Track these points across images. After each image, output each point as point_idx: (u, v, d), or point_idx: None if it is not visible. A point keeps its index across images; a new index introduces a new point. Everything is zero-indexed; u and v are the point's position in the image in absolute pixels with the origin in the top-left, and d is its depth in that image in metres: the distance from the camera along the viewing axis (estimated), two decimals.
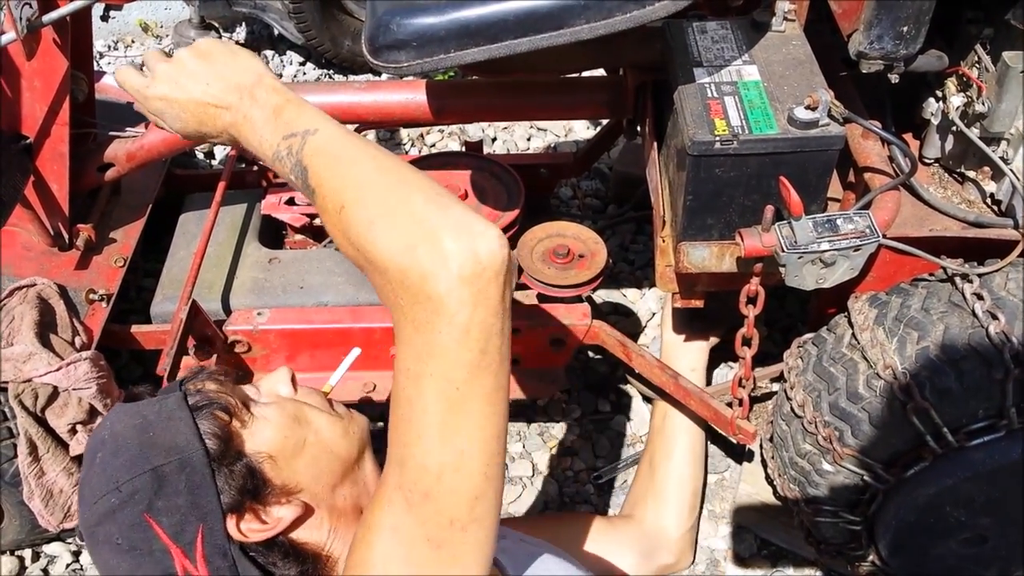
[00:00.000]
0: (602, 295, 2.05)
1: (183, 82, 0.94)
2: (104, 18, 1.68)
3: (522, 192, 1.63)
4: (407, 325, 0.80)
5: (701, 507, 1.62)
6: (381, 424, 1.69)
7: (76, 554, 1.62)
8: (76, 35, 1.43)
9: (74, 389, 1.39)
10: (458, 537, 0.81)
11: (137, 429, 0.95)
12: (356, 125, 1.67)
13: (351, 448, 1.08)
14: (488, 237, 0.77)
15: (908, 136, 1.43)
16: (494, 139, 2.54)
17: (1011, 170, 1.26)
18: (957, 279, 1.19)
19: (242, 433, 0.99)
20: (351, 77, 2.78)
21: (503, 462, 0.83)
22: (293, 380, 1.11)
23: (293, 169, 0.86)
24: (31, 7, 1.28)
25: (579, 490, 1.73)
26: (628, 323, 2.00)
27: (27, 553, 1.61)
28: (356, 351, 1.28)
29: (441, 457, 0.80)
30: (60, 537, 1.63)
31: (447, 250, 0.76)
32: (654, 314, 2.02)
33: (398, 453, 0.82)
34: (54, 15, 1.30)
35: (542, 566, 1.13)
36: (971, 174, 1.34)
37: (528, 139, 2.54)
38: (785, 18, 1.27)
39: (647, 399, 1.84)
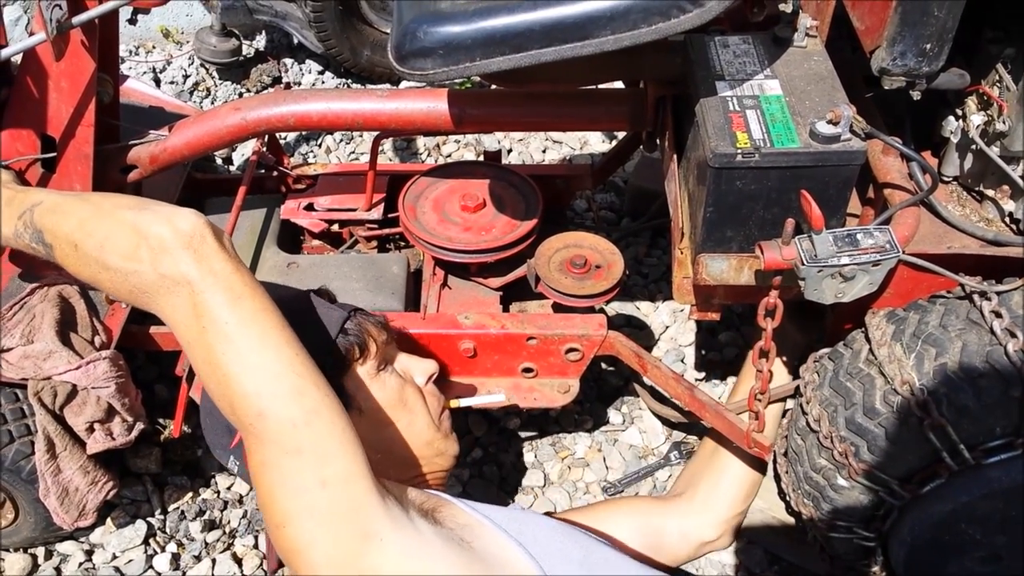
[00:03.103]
0: (616, 307, 2.06)
1: None
2: (131, 21, 1.70)
3: (540, 202, 1.63)
4: (165, 310, 0.97)
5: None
6: None
7: (89, 553, 1.63)
8: (103, 37, 1.45)
9: (93, 388, 1.40)
10: (307, 433, 0.93)
11: (300, 310, 1.14)
12: (377, 132, 1.68)
13: (423, 454, 1.27)
14: (181, 214, 0.97)
15: (926, 154, 1.43)
16: (510, 151, 2.55)
17: None
18: (975, 296, 1.19)
19: (357, 372, 1.22)
20: (369, 86, 2.80)
21: (307, 362, 0.97)
22: (431, 377, 1.32)
23: (32, 237, 1.04)
24: (61, 8, 1.29)
25: (590, 502, 1.73)
26: (641, 336, 2.01)
27: (40, 551, 1.62)
28: (501, 397, 1.46)
29: (251, 379, 0.94)
30: (73, 536, 1.63)
31: (158, 236, 0.95)
32: (667, 327, 2.03)
33: (227, 406, 0.96)
34: (84, 17, 1.31)
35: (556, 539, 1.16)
36: (990, 193, 1.34)
37: (543, 151, 2.56)
38: (807, 34, 1.28)
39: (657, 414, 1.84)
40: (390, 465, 1.23)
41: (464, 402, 1.42)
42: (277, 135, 1.86)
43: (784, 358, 1.61)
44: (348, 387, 1.21)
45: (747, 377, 1.65)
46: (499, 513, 1.13)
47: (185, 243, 0.96)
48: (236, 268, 0.98)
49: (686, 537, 1.49)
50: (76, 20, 1.32)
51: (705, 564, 1.61)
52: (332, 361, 1.18)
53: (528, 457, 1.80)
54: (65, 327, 1.43)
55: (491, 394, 1.46)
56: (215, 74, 2.83)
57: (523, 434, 1.83)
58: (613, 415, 1.86)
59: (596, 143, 2.57)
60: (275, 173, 1.85)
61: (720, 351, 1.96)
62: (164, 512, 1.68)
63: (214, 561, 1.61)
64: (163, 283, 0.96)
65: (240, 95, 2.80)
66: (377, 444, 1.21)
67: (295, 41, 2.86)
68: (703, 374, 1.93)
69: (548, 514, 1.54)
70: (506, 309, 1.63)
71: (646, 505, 1.54)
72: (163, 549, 1.63)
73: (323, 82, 2.85)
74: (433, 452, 1.29)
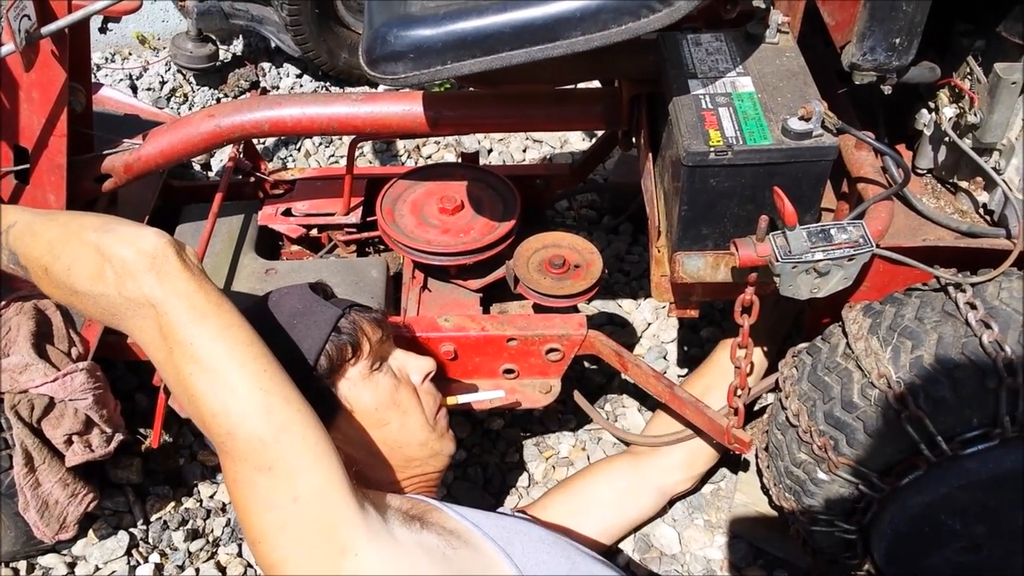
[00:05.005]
0: (598, 305, 2.06)
1: None
2: (103, 30, 1.69)
3: (518, 203, 1.63)
4: (135, 332, 0.98)
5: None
6: None
7: (71, 565, 1.61)
8: (74, 47, 1.44)
9: (70, 400, 1.38)
10: (276, 450, 0.94)
11: (294, 310, 1.18)
12: (353, 136, 1.68)
13: (416, 455, 1.25)
14: (143, 235, 0.98)
15: (901, 147, 1.44)
16: (490, 151, 2.55)
17: (1003, 180, 1.27)
18: (950, 288, 1.20)
19: (349, 373, 1.20)
20: (348, 89, 2.79)
21: (276, 376, 0.97)
22: (427, 376, 1.29)
23: (10, 258, 1.05)
24: (30, 19, 1.29)
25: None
26: (623, 333, 2.01)
27: (22, 565, 1.60)
28: (500, 394, 1.43)
29: (217, 398, 0.94)
30: (55, 548, 1.62)
31: (121, 258, 0.96)
32: (649, 324, 2.03)
33: (200, 424, 0.97)
34: (53, 27, 1.30)
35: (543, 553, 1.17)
36: (964, 184, 1.35)
37: (524, 151, 2.55)
38: (779, 30, 1.29)
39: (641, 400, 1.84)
40: (382, 466, 1.22)
41: (463, 399, 1.40)
42: (254, 140, 1.85)
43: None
44: (340, 387, 1.20)
45: (710, 368, 1.67)
46: (488, 520, 1.13)
47: (148, 264, 0.96)
48: (200, 286, 0.98)
49: (661, 492, 1.58)
50: (45, 30, 1.31)
51: (691, 560, 1.61)
52: (322, 364, 1.17)
53: (512, 458, 1.80)
54: (41, 339, 1.41)
55: (491, 391, 1.44)
56: (192, 80, 2.82)
57: (507, 435, 1.83)
58: None
59: (577, 142, 2.57)
60: (252, 179, 1.84)
61: (702, 347, 1.96)
62: (146, 522, 1.67)
63: (198, 571, 1.60)
64: (129, 305, 0.96)
65: (218, 100, 2.79)
66: (368, 446, 1.20)
67: (272, 45, 2.84)
68: (685, 370, 1.93)
69: (531, 509, 1.55)
70: (487, 310, 1.63)
71: (625, 467, 1.58)
72: (146, 559, 1.62)
73: (301, 86, 2.84)
74: (428, 453, 1.27)
